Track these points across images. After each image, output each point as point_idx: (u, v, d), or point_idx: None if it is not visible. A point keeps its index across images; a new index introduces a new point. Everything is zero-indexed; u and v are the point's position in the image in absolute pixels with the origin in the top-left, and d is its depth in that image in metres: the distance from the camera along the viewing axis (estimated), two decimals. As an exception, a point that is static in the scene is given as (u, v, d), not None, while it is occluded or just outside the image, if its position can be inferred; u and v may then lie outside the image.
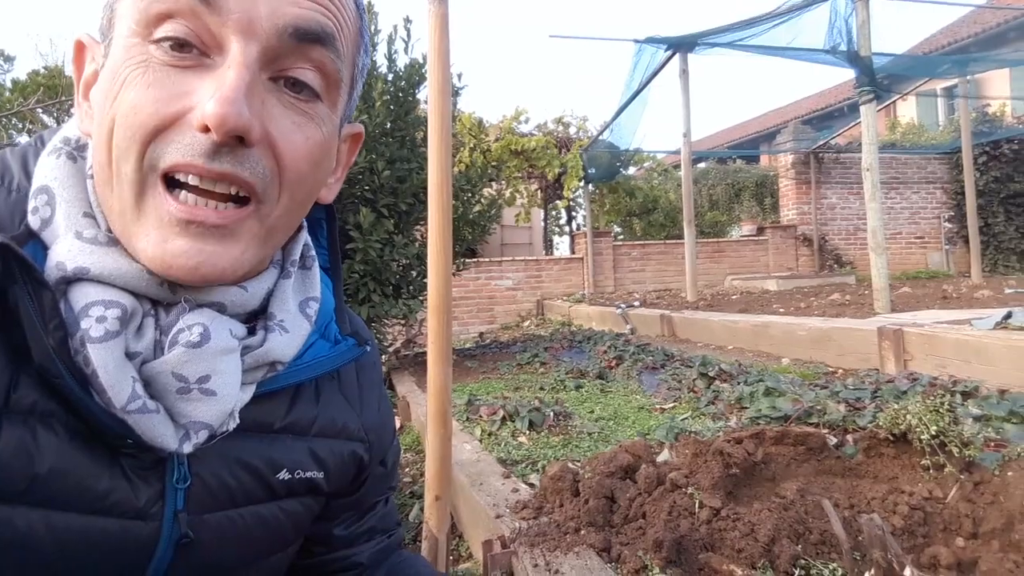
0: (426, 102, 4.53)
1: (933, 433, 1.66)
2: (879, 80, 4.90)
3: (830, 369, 3.60)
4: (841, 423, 2.25)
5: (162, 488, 0.55)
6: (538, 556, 1.47)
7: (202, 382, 0.53)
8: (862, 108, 4.79)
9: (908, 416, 1.73)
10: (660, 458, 1.95)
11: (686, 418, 2.77)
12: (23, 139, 6.34)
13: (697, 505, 1.56)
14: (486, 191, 5.23)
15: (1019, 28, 13.15)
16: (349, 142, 0.67)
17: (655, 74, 7.24)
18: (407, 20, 4.44)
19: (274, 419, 0.63)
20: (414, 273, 4.56)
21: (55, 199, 0.54)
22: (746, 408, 2.70)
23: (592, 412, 3.05)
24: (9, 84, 6.39)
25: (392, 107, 4.29)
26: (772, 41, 6.22)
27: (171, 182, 0.50)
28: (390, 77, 4.34)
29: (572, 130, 11.41)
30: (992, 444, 1.82)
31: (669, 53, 6.85)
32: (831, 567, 1.32)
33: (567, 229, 12.93)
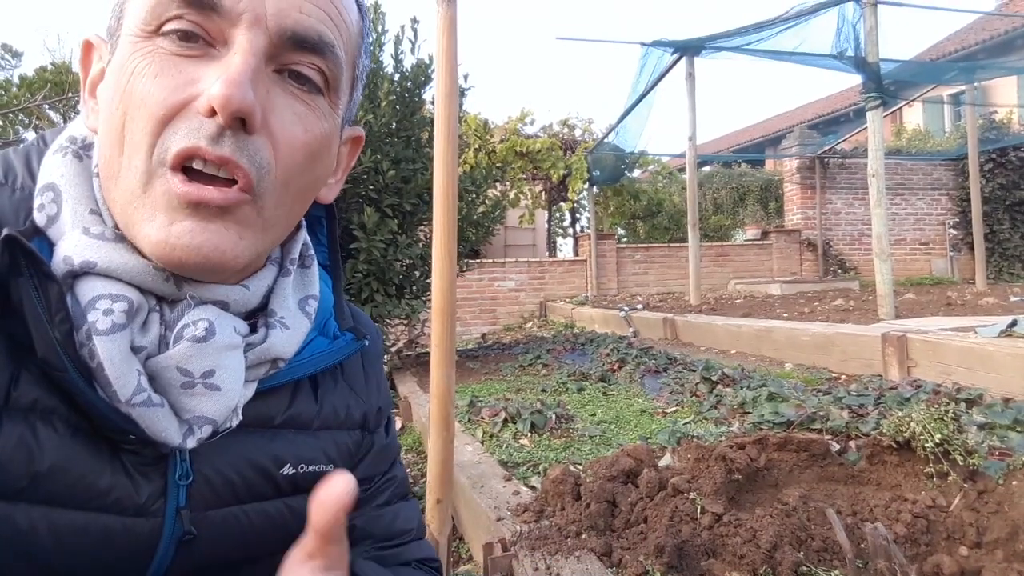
0: (432, 103, 4.54)
1: (937, 441, 1.65)
2: (886, 86, 4.89)
3: (833, 375, 3.59)
4: (844, 429, 2.24)
5: (164, 485, 0.55)
6: (539, 560, 1.47)
7: (207, 377, 0.53)
8: (869, 114, 4.79)
9: (912, 424, 1.72)
10: (662, 463, 1.95)
11: (688, 422, 2.76)
12: (30, 135, 6.36)
13: (699, 510, 1.56)
14: (490, 192, 5.23)
15: (1027, 35, 13.10)
16: (350, 145, 0.68)
17: (661, 77, 7.24)
18: (414, 20, 4.44)
19: (275, 414, 0.63)
20: (417, 273, 4.56)
21: (61, 196, 0.54)
22: (749, 413, 2.70)
23: (594, 415, 3.04)
24: (17, 80, 6.41)
25: (398, 107, 4.30)
26: (779, 46, 6.20)
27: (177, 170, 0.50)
28: (396, 77, 4.35)
29: (577, 132, 11.42)
30: (996, 453, 1.81)
31: (676, 56, 6.85)
32: (833, 575, 1.32)
33: (571, 231, 12.94)
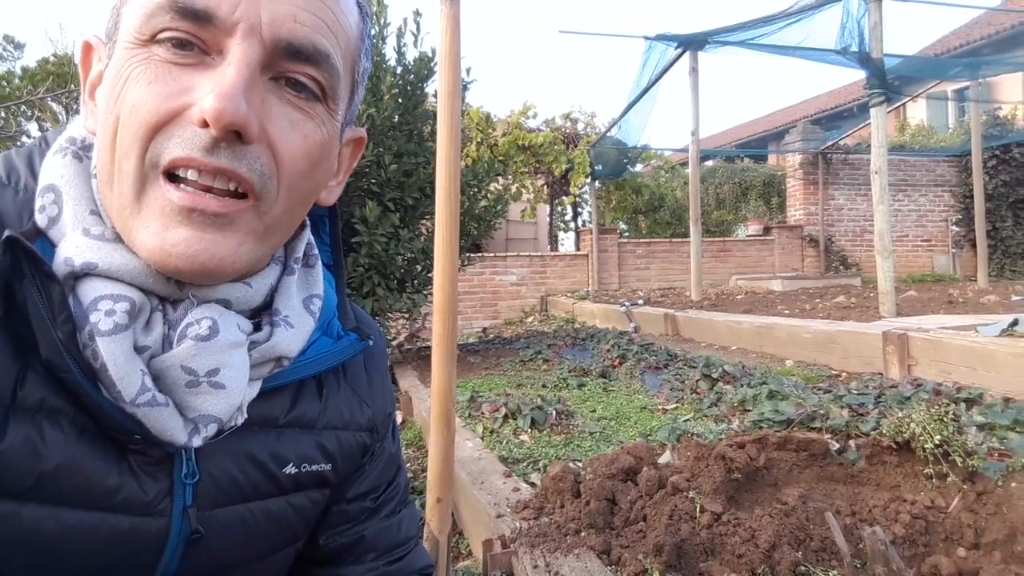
0: (434, 96, 4.53)
1: (937, 442, 1.66)
2: (890, 82, 4.86)
3: (834, 372, 3.60)
4: (844, 428, 2.24)
5: (170, 484, 0.55)
6: (538, 557, 1.48)
7: (211, 375, 0.53)
8: (872, 111, 4.76)
9: (912, 424, 1.73)
10: (662, 460, 1.95)
11: (688, 420, 2.77)
12: (32, 127, 6.34)
13: (698, 509, 1.57)
14: (493, 186, 5.21)
15: (1033, 30, 13.01)
16: (351, 146, 0.68)
17: (664, 71, 7.21)
18: (416, 13, 4.42)
19: (279, 414, 0.64)
20: (419, 267, 4.56)
21: (62, 197, 0.54)
22: (749, 411, 2.70)
23: (594, 411, 3.05)
24: (19, 71, 6.38)
25: (400, 101, 4.29)
26: (783, 40, 6.18)
27: (171, 177, 0.50)
28: (399, 71, 4.33)
29: (580, 126, 11.38)
30: (996, 454, 1.82)
31: (679, 51, 6.81)
32: (831, 575, 1.33)
33: (572, 225, 12.91)
